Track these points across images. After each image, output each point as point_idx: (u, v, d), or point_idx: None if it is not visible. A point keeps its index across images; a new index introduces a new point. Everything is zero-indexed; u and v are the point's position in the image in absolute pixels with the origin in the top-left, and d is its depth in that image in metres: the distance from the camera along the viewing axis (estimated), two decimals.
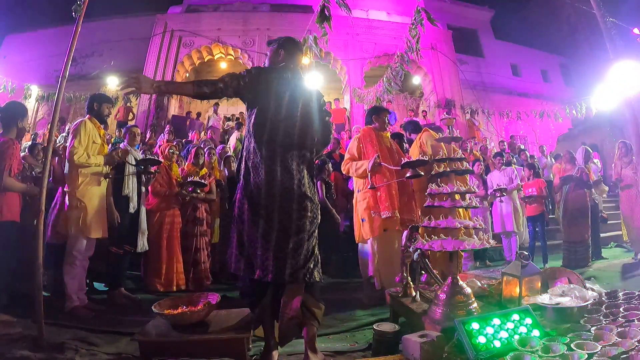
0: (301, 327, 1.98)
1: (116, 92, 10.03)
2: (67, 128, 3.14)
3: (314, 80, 7.85)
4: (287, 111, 1.96)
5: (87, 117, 3.13)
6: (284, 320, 1.89)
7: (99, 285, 3.77)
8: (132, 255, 3.70)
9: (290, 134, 1.95)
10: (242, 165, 2.01)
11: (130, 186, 3.44)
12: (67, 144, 3.04)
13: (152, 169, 3.49)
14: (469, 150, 7.13)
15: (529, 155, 7.96)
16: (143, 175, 3.55)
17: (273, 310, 1.95)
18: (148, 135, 8.32)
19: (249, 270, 1.91)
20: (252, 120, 1.97)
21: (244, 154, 2.01)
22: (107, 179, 3.19)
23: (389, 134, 3.60)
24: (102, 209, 3.11)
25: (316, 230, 2.00)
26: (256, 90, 1.96)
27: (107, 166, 3.14)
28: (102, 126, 3.24)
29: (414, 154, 3.59)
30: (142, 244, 3.58)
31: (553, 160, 8.30)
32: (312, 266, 1.92)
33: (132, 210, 3.43)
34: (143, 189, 3.64)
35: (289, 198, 1.90)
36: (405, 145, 4.05)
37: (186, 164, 4.53)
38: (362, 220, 3.23)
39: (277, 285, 1.93)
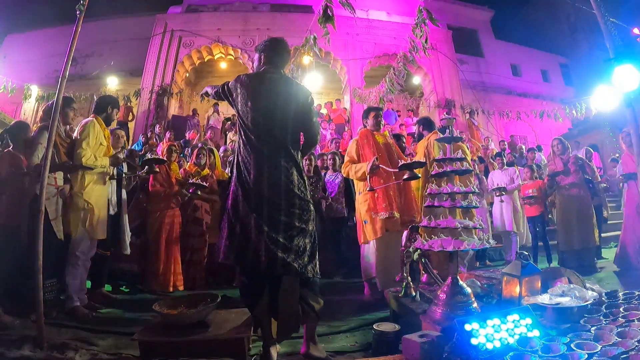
0: (299, 323, 2.01)
1: (116, 92, 10.05)
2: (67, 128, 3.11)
3: (313, 80, 7.85)
4: (271, 112, 2.02)
5: (94, 117, 3.15)
6: (283, 317, 1.93)
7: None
8: (132, 255, 3.70)
9: (274, 134, 2.01)
10: (235, 160, 2.09)
11: (110, 189, 3.40)
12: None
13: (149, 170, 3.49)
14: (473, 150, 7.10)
15: (535, 155, 7.92)
16: (123, 179, 3.57)
17: (271, 309, 1.97)
18: (149, 135, 8.32)
19: (240, 259, 1.93)
20: (238, 123, 2.09)
21: (236, 149, 2.11)
22: (111, 180, 3.23)
23: (387, 133, 3.62)
24: (105, 210, 3.14)
25: (308, 227, 2.02)
26: (237, 95, 2.06)
27: (112, 167, 3.18)
28: (107, 127, 3.26)
29: (419, 152, 3.62)
30: (127, 246, 3.56)
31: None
32: (305, 261, 1.95)
33: (112, 212, 3.38)
34: (124, 192, 3.61)
35: (278, 195, 1.95)
36: (404, 145, 4.07)
37: (188, 164, 4.53)
38: (365, 222, 3.25)
39: (274, 284, 1.95)
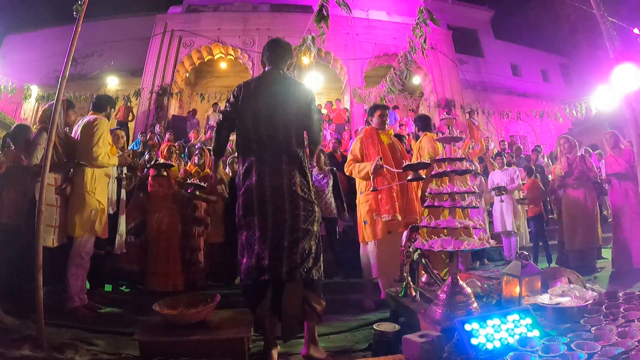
0: (302, 323, 2.01)
1: (116, 92, 10.05)
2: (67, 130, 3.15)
3: (313, 80, 7.84)
4: (269, 114, 2.01)
5: (101, 116, 3.15)
6: (286, 318, 1.93)
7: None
8: (132, 255, 3.70)
9: (274, 136, 2.00)
10: (239, 166, 2.10)
11: (111, 188, 3.42)
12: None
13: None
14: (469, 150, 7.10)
15: (538, 156, 7.92)
16: (124, 180, 3.59)
17: (274, 310, 1.97)
18: (148, 136, 8.32)
19: (247, 271, 1.95)
20: (238, 130, 2.09)
21: (238, 160, 2.12)
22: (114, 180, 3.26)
23: (391, 132, 3.59)
24: (107, 209, 3.16)
25: (313, 228, 2.00)
26: (238, 104, 2.08)
27: (119, 167, 3.24)
28: None
29: (415, 153, 3.61)
30: (121, 245, 3.57)
31: (550, 161, 8.30)
32: (310, 265, 1.94)
33: (111, 211, 3.39)
34: (122, 192, 3.63)
35: (281, 198, 1.94)
36: (406, 146, 4.04)
37: (188, 164, 4.53)
38: (365, 223, 3.22)
39: (277, 285, 1.95)
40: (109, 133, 3.11)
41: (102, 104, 3.25)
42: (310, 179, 2.08)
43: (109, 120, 3.29)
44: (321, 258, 2.03)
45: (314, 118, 2.12)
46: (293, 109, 2.04)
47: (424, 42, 4.45)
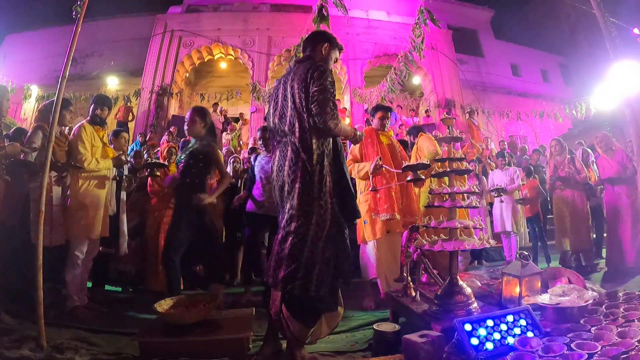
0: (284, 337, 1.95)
1: (116, 92, 10.05)
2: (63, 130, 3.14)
3: None
4: (282, 108, 1.94)
5: (85, 120, 3.15)
6: (271, 321, 1.92)
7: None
8: (131, 255, 3.70)
9: (282, 130, 1.92)
10: None
11: (111, 189, 3.39)
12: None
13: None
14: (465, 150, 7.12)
15: (541, 155, 7.91)
16: (124, 181, 3.58)
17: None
18: (148, 136, 8.31)
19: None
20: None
21: None
22: (112, 181, 3.25)
23: (391, 133, 3.60)
24: (102, 209, 3.12)
25: (308, 231, 1.76)
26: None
27: (115, 168, 3.23)
28: (102, 127, 3.24)
29: (412, 159, 3.63)
30: (124, 247, 3.57)
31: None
32: (298, 275, 1.72)
33: (110, 213, 3.37)
34: (123, 193, 3.62)
35: (283, 197, 1.90)
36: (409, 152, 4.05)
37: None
38: (365, 223, 3.23)
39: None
40: (94, 137, 3.07)
41: (90, 106, 3.20)
42: (317, 172, 1.81)
43: (97, 120, 3.19)
44: (317, 270, 1.74)
45: (315, 98, 1.78)
46: (296, 95, 1.83)
47: (422, 42, 4.48)
